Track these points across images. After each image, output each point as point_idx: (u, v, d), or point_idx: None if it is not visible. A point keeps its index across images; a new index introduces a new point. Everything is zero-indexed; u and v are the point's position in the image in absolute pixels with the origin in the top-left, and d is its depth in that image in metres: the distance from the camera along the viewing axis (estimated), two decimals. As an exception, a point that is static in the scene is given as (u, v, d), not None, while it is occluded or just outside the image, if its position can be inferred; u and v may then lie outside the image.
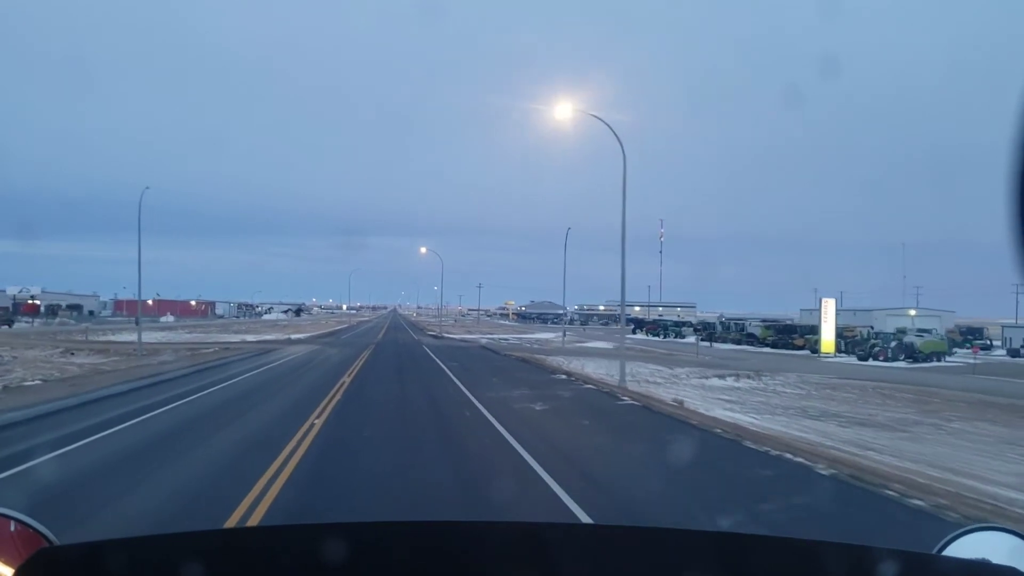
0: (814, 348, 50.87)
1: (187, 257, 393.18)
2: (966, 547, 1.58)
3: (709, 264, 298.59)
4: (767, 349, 57.04)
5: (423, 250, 68.16)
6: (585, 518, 7.33)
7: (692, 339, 76.53)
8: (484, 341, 56.70)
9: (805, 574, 1.45)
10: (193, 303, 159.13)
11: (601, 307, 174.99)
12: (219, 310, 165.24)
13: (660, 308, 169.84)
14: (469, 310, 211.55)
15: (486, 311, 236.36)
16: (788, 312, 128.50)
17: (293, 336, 54.75)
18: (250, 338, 50.23)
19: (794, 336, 57.88)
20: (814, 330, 54.20)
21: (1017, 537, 1.57)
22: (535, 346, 49.90)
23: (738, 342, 63.56)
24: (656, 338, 77.75)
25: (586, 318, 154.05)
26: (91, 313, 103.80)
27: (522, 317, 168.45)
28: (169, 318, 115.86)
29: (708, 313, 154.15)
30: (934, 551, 1.59)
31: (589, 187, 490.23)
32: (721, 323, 73.64)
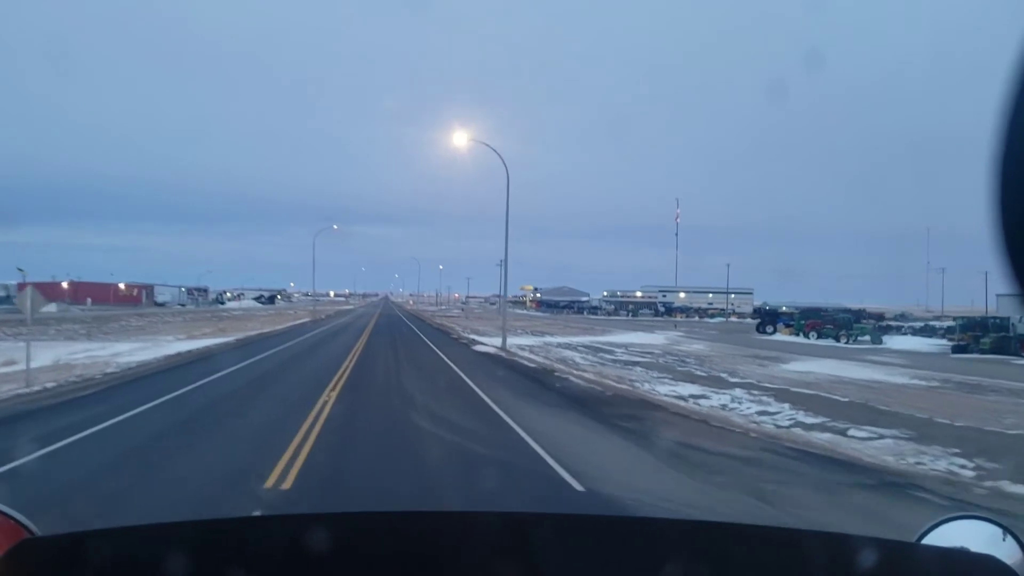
0: None
1: (176, 245, 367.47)
2: (945, 535, 1.56)
3: (708, 252, 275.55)
4: None
5: (463, 140, 32.83)
6: None
7: (896, 343, 42.82)
8: (639, 381, 22.95)
9: (786, 562, 1.44)
10: (122, 287, 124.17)
11: (638, 293, 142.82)
12: (162, 296, 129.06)
13: (710, 295, 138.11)
14: (468, 297, 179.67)
15: (485, 298, 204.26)
16: (862, 302, 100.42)
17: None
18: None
19: None
20: None
21: (995, 526, 1.55)
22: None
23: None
24: (831, 343, 44.35)
25: (627, 308, 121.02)
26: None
27: (547, 306, 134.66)
28: (51, 307, 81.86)
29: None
30: (914, 539, 1.58)
31: (592, 173, 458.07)
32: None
